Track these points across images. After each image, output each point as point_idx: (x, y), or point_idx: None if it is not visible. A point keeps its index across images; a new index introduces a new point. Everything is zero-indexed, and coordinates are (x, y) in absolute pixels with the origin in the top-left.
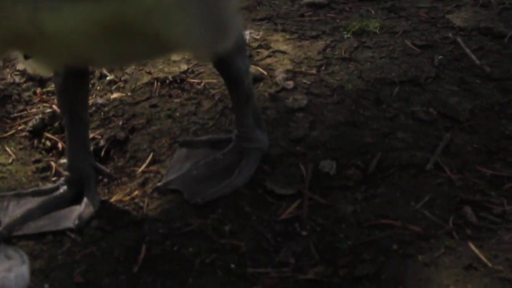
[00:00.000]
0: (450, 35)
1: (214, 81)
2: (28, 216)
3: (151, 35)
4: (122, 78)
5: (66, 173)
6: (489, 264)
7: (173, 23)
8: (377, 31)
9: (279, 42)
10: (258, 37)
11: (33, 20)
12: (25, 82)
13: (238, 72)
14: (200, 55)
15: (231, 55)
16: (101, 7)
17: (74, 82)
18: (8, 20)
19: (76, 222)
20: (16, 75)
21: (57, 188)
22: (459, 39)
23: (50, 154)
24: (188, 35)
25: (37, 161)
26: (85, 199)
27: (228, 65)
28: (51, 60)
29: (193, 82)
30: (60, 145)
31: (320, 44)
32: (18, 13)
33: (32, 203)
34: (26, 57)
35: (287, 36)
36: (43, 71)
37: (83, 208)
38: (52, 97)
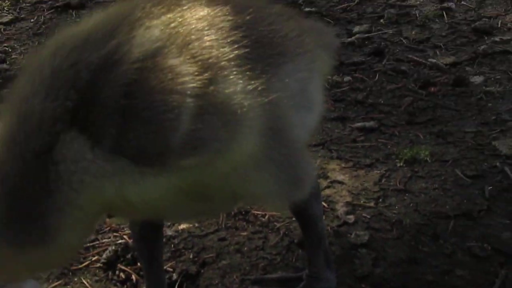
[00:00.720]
0: (497, 164)
1: (278, 213)
2: None
3: (228, 194)
4: None
5: None
6: None
7: (250, 182)
8: (428, 159)
9: (336, 171)
10: (315, 165)
11: (120, 194)
12: None
13: (313, 217)
14: (277, 206)
15: (306, 202)
16: (180, 176)
17: (151, 231)
18: (99, 195)
19: None
20: None
21: None
22: (506, 169)
23: (125, 286)
24: (264, 192)
25: None
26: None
27: (304, 211)
28: (133, 217)
29: (258, 214)
30: (134, 277)
31: (375, 173)
32: (107, 188)
33: None
34: (109, 216)
35: (343, 165)
36: (121, 220)
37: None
38: (122, 227)
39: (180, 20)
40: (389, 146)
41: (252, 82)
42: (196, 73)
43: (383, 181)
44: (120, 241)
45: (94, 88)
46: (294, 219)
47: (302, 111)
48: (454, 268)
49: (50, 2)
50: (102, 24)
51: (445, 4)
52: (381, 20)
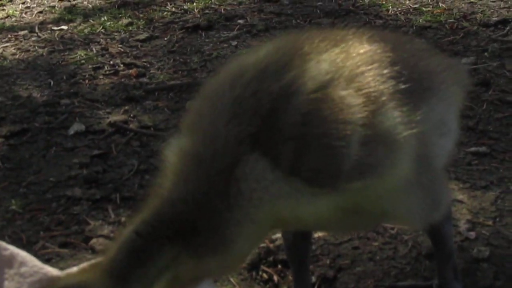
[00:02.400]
0: None
1: (405, 227)
2: None
3: (378, 213)
4: None
5: None
6: None
7: (399, 204)
8: None
9: (455, 191)
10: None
11: (294, 211)
12: None
13: (445, 236)
14: (414, 226)
15: (440, 223)
16: (343, 197)
17: (301, 240)
18: (275, 212)
19: None
20: None
21: None
22: None
23: (268, 285)
24: (409, 212)
25: None
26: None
27: (437, 230)
28: (294, 228)
29: (387, 226)
30: (275, 278)
31: (491, 195)
32: (282, 206)
33: None
34: None
35: (461, 185)
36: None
37: None
38: None
39: (345, 55)
40: (501, 170)
41: (408, 114)
42: (363, 104)
43: (498, 202)
44: (263, 245)
45: (274, 115)
46: (420, 233)
47: (443, 139)
48: None
49: (181, 23)
50: (276, 57)
51: None
52: (485, 53)
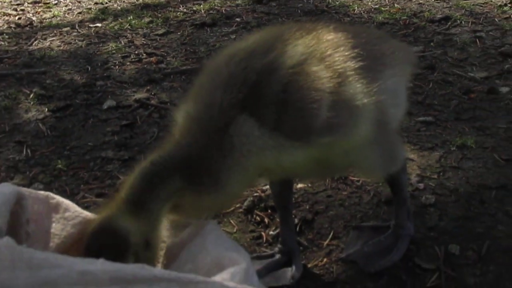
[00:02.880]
0: None
1: (368, 180)
2: (258, 274)
3: (345, 165)
4: None
5: (279, 245)
6: None
7: (363, 158)
8: (473, 145)
9: (408, 151)
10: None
11: (276, 160)
12: None
13: (401, 185)
14: (377, 177)
15: (397, 173)
16: (316, 150)
17: (285, 189)
18: (261, 161)
19: (291, 281)
20: None
21: (273, 255)
22: None
23: (260, 226)
24: (370, 166)
25: (252, 231)
26: (294, 265)
27: (395, 180)
28: (275, 178)
29: (353, 179)
30: (266, 220)
31: (436, 154)
32: (267, 156)
33: (259, 264)
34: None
35: (412, 147)
36: (264, 181)
37: (294, 271)
38: (256, 184)
39: (316, 40)
40: (443, 135)
41: (367, 86)
42: (330, 77)
43: (442, 160)
44: (255, 194)
45: (259, 85)
46: (380, 184)
47: (396, 107)
48: (497, 224)
49: (191, 21)
50: (262, 42)
51: (477, 34)
52: (431, 43)
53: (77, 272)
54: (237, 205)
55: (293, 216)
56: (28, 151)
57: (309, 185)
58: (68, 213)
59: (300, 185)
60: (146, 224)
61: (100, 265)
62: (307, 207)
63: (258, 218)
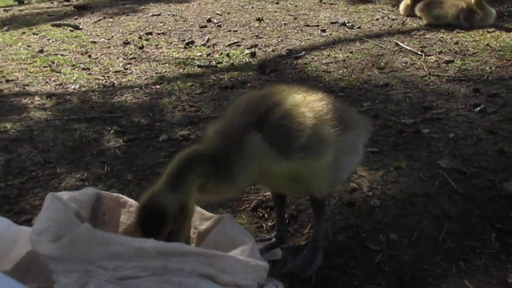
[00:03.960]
0: (440, 171)
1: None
2: (260, 251)
3: (307, 182)
4: None
5: (275, 232)
6: None
7: (319, 178)
8: (405, 168)
9: (361, 171)
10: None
11: (269, 166)
12: None
13: (323, 208)
14: (320, 195)
15: (324, 199)
16: (294, 163)
17: (279, 196)
18: (260, 163)
19: (281, 257)
20: None
21: (271, 239)
22: (445, 174)
23: (262, 219)
24: (321, 184)
25: (256, 223)
26: (285, 247)
27: (320, 203)
28: (269, 186)
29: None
30: (266, 215)
31: (380, 173)
32: (264, 160)
33: (260, 245)
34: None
35: (364, 168)
36: (267, 189)
37: (286, 251)
38: (259, 191)
39: (308, 95)
40: (385, 161)
41: (335, 132)
42: (312, 118)
43: (384, 177)
44: (259, 198)
45: (267, 114)
46: (342, 192)
47: (352, 154)
48: (422, 220)
49: (218, 85)
50: (271, 91)
51: (407, 94)
52: (376, 100)
53: (135, 248)
54: (247, 205)
55: (285, 217)
56: (108, 167)
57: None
58: (132, 208)
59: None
60: (180, 195)
61: (150, 243)
62: (293, 207)
63: (260, 214)
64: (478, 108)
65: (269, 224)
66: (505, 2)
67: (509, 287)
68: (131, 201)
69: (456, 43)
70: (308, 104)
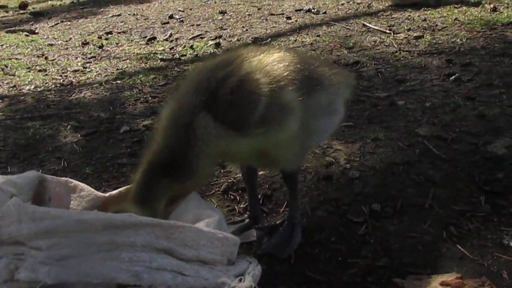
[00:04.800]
0: (419, 138)
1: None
2: (232, 234)
3: (273, 156)
4: None
5: (248, 213)
6: None
7: (284, 150)
8: (383, 138)
9: (337, 144)
10: (325, 144)
11: (226, 147)
12: (216, 167)
13: (296, 182)
14: (287, 169)
15: (295, 172)
16: (254, 139)
17: (249, 170)
18: (217, 147)
19: (256, 238)
20: None
21: (243, 220)
22: (425, 142)
23: (234, 202)
24: (288, 157)
25: (228, 206)
26: (259, 227)
27: (292, 178)
28: (236, 163)
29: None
30: (238, 197)
31: (357, 145)
32: (220, 143)
33: (233, 227)
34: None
35: (340, 142)
36: (234, 166)
37: (260, 231)
38: (229, 173)
39: (265, 58)
40: (361, 133)
41: (299, 95)
42: (268, 84)
43: (361, 148)
44: (230, 180)
45: (217, 90)
46: (319, 166)
47: (326, 116)
48: (406, 188)
49: (182, 76)
50: (226, 59)
51: (379, 70)
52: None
53: (75, 221)
54: (217, 189)
55: (258, 195)
56: (65, 163)
57: (267, 172)
58: (83, 192)
59: (261, 172)
60: (148, 213)
61: (94, 215)
62: (267, 186)
63: (232, 197)
64: (453, 77)
65: (241, 206)
66: None
67: (505, 249)
68: (82, 185)
69: (424, 20)
70: (264, 68)
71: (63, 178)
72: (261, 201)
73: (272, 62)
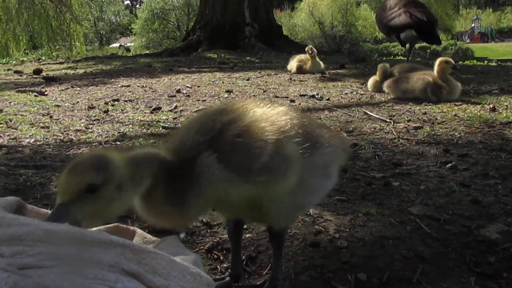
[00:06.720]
0: (411, 217)
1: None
2: None
3: (265, 209)
4: (250, 227)
5: (229, 271)
6: None
7: (280, 204)
8: (375, 213)
9: (329, 216)
10: (315, 214)
11: (226, 190)
12: (203, 225)
13: (282, 241)
14: (275, 227)
15: (283, 231)
16: (254, 188)
17: (236, 226)
18: (216, 188)
19: None
20: (198, 222)
21: (224, 278)
22: (417, 220)
23: (217, 261)
24: (280, 215)
25: (210, 264)
26: (240, 285)
27: (279, 236)
28: (226, 212)
29: (288, 231)
30: (221, 257)
31: (348, 218)
32: (220, 186)
33: (216, 285)
34: (213, 209)
35: (331, 213)
36: (222, 219)
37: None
38: (215, 233)
39: (269, 109)
40: (353, 207)
41: (300, 150)
42: (274, 133)
43: (352, 221)
44: (215, 240)
45: (222, 132)
46: (307, 234)
47: (321, 177)
48: (394, 261)
49: None
50: (229, 106)
51: (376, 153)
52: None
53: (42, 230)
54: (201, 247)
55: (241, 254)
56: (50, 210)
57: (255, 234)
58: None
59: (248, 235)
60: (127, 174)
61: (64, 227)
62: (252, 248)
63: (215, 256)
64: (449, 165)
65: (224, 266)
66: (470, 82)
67: None
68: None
69: (425, 113)
70: (269, 118)
71: (44, 209)
72: (245, 262)
73: (277, 114)
